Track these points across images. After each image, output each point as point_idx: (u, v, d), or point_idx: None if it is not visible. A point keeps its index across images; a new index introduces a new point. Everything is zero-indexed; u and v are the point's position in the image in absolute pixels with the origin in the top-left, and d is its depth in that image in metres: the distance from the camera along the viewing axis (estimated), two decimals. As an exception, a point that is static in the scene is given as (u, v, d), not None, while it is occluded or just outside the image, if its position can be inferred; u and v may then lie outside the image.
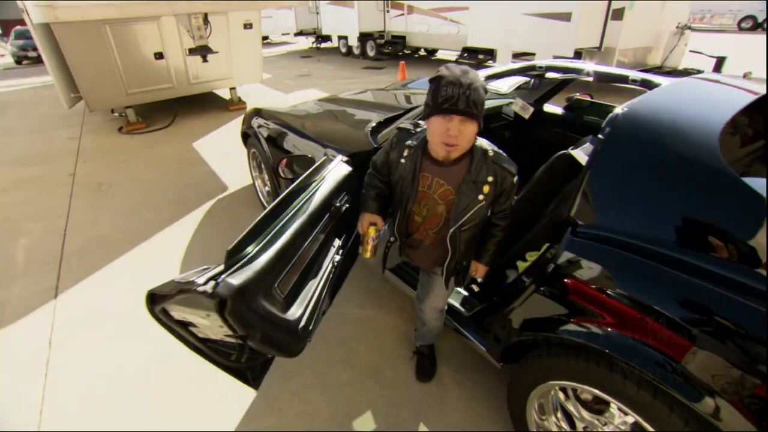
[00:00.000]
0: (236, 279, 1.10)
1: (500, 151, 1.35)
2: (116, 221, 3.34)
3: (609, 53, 6.48)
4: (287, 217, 1.35)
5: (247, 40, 6.28)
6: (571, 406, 1.38)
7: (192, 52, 5.47)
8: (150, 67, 5.65)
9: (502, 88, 2.62)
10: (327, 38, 14.01)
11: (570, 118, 2.73)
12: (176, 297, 1.12)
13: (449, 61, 9.54)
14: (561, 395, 1.40)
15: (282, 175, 1.88)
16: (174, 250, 2.92)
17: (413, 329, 2.05)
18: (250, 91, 7.80)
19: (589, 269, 1.19)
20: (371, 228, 1.46)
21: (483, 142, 1.35)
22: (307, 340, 1.38)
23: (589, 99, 2.70)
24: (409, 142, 1.35)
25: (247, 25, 6.17)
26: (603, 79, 1.87)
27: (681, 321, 1.01)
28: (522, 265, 1.67)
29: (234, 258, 1.14)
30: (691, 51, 6.69)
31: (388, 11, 10.84)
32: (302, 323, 1.37)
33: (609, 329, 1.15)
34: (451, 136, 1.19)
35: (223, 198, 3.69)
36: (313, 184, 1.53)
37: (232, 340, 1.31)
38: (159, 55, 5.64)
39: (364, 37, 11.56)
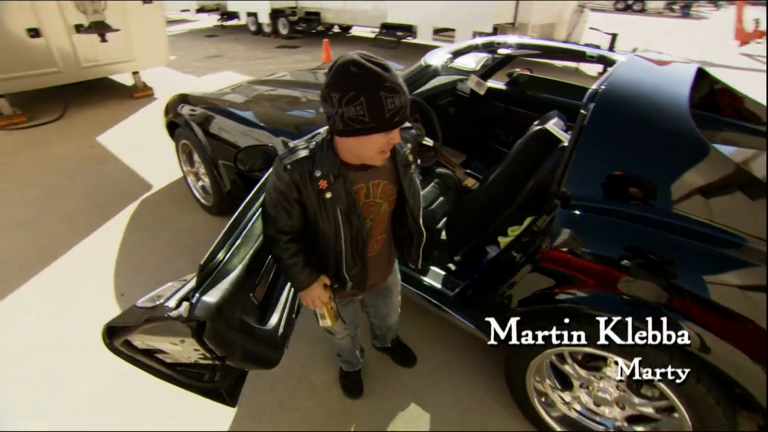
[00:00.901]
0: (212, 296, 0.97)
1: None
2: (15, 239, 2.79)
3: (522, 28, 6.85)
4: (254, 219, 1.22)
5: (148, 16, 5.52)
6: (567, 368, 1.46)
7: (85, 29, 4.67)
8: (23, 47, 4.68)
9: (469, 64, 2.61)
10: (233, 15, 12.93)
11: (512, 93, 2.82)
12: (142, 327, 0.94)
13: (366, 39, 9.39)
14: (555, 359, 1.48)
15: (241, 167, 1.69)
16: (99, 263, 2.53)
17: (372, 337, 1.89)
18: (154, 75, 6.94)
19: (585, 238, 1.24)
20: (326, 292, 1.22)
21: None
22: (285, 347, 1.28)
23: (528, 74, 2.81)
24: (317, 173, 1.02)
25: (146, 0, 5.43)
26: (558, 55, 1.94)
27: (681, 278, 1.10)
28: (504, 241, 1.71)
29: (205, 271, 0.99)
30: (590, 28, 7.35)
31: (300, -15, 10.28)
32: (280, 330, 1.27)
33: (607, 292, 1.22)
34: (392, 143, 1.01)
35: (149, 198, 3.27)
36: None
37: (207, 362, 1.16)
38: (34, 33, 4.70)
39: (275, 14, 10.87)
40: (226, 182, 2.50)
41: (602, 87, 1.31)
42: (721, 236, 1.11)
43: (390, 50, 8.80)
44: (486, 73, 2.76)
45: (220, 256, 1.09)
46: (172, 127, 2.85)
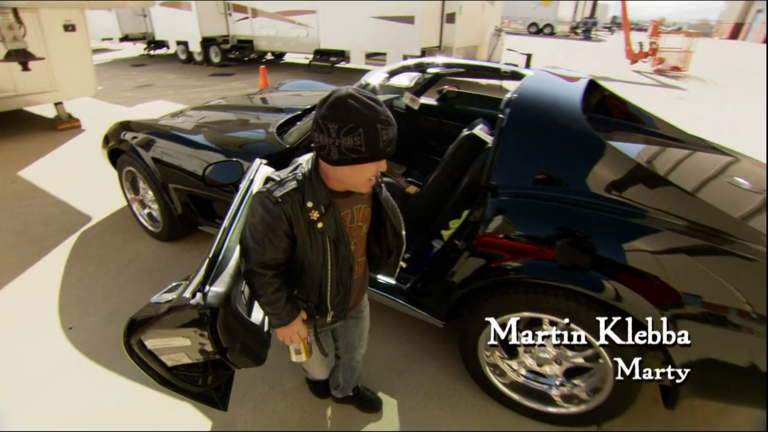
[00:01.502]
0: (220, 287, 1.07)
1: None
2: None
3: (447, 51, 7.44)
4: (234, 223, 1.33)
5: (71, 44, 5.31)
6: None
7: (6, 58, 4.39)
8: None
9: (404, 82, 2.86)
10: (161, 44, 12.59)
11: (443, 108, 3.13)
12: (163, 318, 1.02)
13: (301, 65, 9.60)
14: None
15: (208, 183, 1.77)
16: (40, 299, 2.40)
17: (333, 387, 1.75)
18: (79, 106, 6.59)
19: (514, 219, 1.48)
20: (305, 327, 1.23)
21: None
22: (269, 346, 1.38)
23: (456, 90, 3.15)
24: (309, 204, 1.04)
25: (69, 27, 5.23)
26: (479, 72, 2.25)
27: (597, 244, 1.37)
28: (446, 234, 1.92)
29: (212, 264, 1.10)
30: (508, 49, 8.14)
31: (230, 14, 10.31)
32: (265, 327, 1.37)
33: (535, 260, 1.46)
34: (378, 172, 1.06)
35: (90, 230, 3.14)
36: (246, 189, 1.51)
37: (200, 359, 1.23)
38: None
39: (206, 42, 10.77)
40: (178, 205, 2.51)
41: (514, 95, 1.59)
42: (628, 209, 1.40)
43: (325, 75, 9.08)
44: (418, 90, 3.05)
45: (216, 248, 1.20)
46: (115, 155, 2.80)
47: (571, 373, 1.69)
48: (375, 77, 2.01)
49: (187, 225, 2.70)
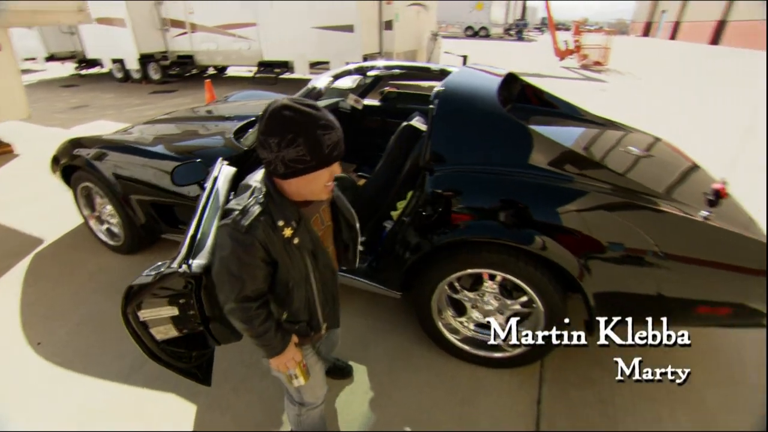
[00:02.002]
0: (201, 259, 1.24)
1: None
2: None
3: (388, 57, 7.78)
4: (207, 207, 1.50)
5: (-3, 66, 5.08)
6: (460, 296, 1.94)
7: None
8: None
9: (347, 84, 3.08)
10: (94, 63, 12.03)
11: (385, 108, 3.40)
12: (155, 286, 1.17)
13: (246, 78, 9.61)
14: (448, 291, 1.95)
15: (179, 182, 1.90)
16: None
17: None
18: (9, 131, 6.24)
19: (447, 191, 1.75)
20: (299, 351, 1.21)
21: None
22: None
23: (396, 91, 3.42)
24: (280, 223, 1.02)
25: (-7, 48, 5.01)
26: (414, 73, 2.53)
27: (511, 204, 1.66)
28: (395, 214, 2.16)
29: (192, 241, 1.27)
30: (445, 52, 8.64)
31: (167, 30, 10.11)
32: None
33: (470, 221, 1.73)
34: (334, 176, 1.05)
35: (43, 251, 3.08)
36: (212, 185, 1.67)
37: (186, 332, 1.37)
38: None
39: (144, 59, 10.47)
40: (140, 216, 2.58)
41: (441, 88, 1.86)
42: (552, 176, 1.70)
43: (270, 86, 9.14)
44: (362, 92, 3.29)
45: (194, 228, 1.36)
46: (70, 172, 2.81)
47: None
48: (320, 81, 2.22)
49: (150, 234, 2.76)
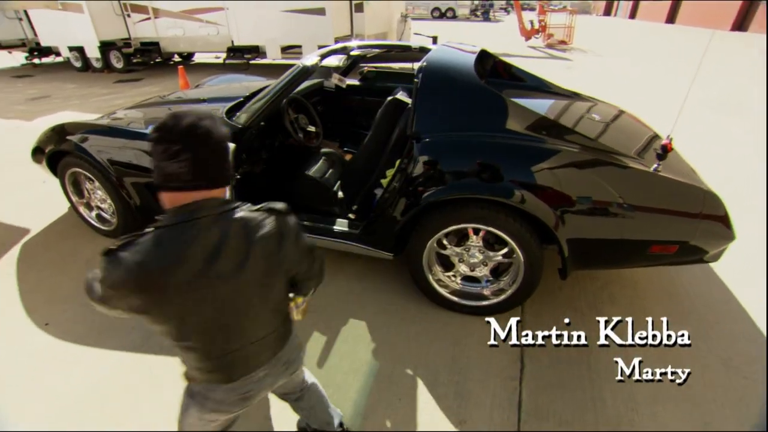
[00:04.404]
0: None
1: None
2: None
3: (360, 39, 7.82)
4: None
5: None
6: (447, 251, 2.15)
7: None
8: None
9: (334, 62, 3.19)
10: (48, 51, 11.43)
11: (366, 87, 3.53)
12: None
13: (215, 64, 9.39)
14: (437, 248, 2.16)
15: None
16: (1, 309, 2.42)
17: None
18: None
19: (434, 156, 1.94)
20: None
21: None
22: None
23: (375, 70, 3.56)
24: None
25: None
26: (395, 54, 2.69)
27: (492, 164, 1.86)
28: (385, 181, 2.34)
29: None
30: (415, 33, 8.74)
31: (129, 15, 9.71)
32: None
33: (456, 181, 1.94)
34: None
35: (31, 240, 3.09)
36: None
37: None
38: None
39: (105, 47, 10.04)
40: (135, 198, 2.64)
41: (424, 64, 2.04)
42: (526, 138, 1.91)
43: (242, 72, 9.01)
44: (342, 72, 3.41)
45: None
46: (57, 159, 2.82)
47: (496, 273, 2.21)
48: (309, 60, 2.34)
49: (145, 216, 2.82)
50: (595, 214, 1.91)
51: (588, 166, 1.90)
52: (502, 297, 2.15)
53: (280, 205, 1.04)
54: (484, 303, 2.19)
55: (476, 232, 2.05)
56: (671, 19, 23.02)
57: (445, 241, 2.13)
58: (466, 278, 2.24)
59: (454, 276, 2.24)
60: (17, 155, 4.71)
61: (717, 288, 2.46)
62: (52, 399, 1.87)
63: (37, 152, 2.94)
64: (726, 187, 2.40)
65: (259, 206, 1.02)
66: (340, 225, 2.37)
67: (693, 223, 1.86)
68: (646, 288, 2.47)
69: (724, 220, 1.87)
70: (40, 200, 3.61)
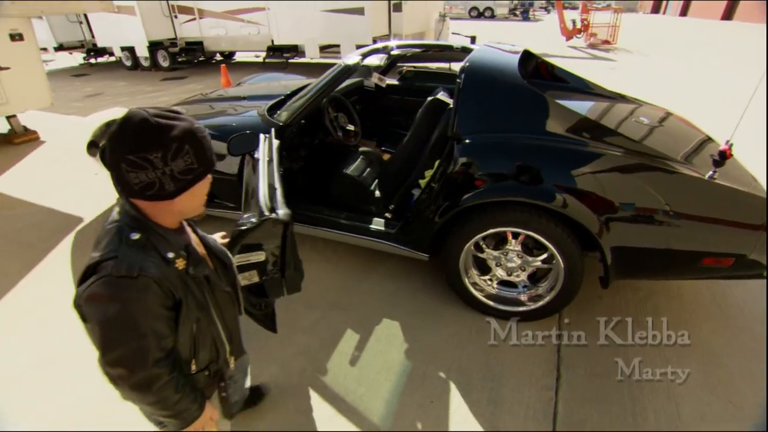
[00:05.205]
0: (282, 210, 1.50)
1: None
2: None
3: (398, 38, 7.82)
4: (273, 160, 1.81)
5: (20, 54, 5.23)
6: (484, 255, 2.11)
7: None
8: None
9: (375, 61, 3.22)
10: (103, 51, 12.14)
11: (405, 86, 3.53)
12: (257, 229, 1.43)
13: (255, 63, 9.62)
14: (474, 251, 2.12)
15: (234, 152, 2.12)
16: (58, 293, 2.58)
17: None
18: (30, 119, 6.43)
19: (475, 158, 1.91)
20: (215, 407, 1.09)
21: None
22: None
23: (414, 69, 3.55)
24: (170, 255, 0.89)
25: (16, 36, 5.15)
26: (435, 53, 2.68)
27: (547, 167, 1.82)
28: (423, 182, 2.33)
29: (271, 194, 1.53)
30: (453, 33, 8.65)
31: (176, 17, 10.16)
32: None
33: (497, 184, 1.91)
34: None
35: (85, 228, 3.30)
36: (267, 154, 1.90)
37: (264, 280, 1.56)
38: None
39: (154, 47, 10.56)
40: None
41: (467, 64, 2.01)
42: (570, 142, 1.86)
43: (281, 70, 9.23)
44: (382, 72, 3.42)
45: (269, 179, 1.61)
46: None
47: (533, 279, 2.16)
48: (351, 59, 2.37)
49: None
50: (640, 222, 1.82)
51: (632, 171, 1.82)
52: (540, 303, 2.09)
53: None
54: (521, 309, 2.14)
55: (515, 236, 2.01)
56: (728, 15, 21.66)
57: (482, 244, 2.09)
58: (503, 282, 2.20)
59: (491, 280, 2.20)
60: (74, 148, 5.05)
61: (775, 305, 2.29)
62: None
63: (92, 146, 3.11)
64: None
65: None
66: (377, 224, 2.38)
67: (752, 236, 1.74)
68: (693, 300, 2.34)
69: (787, 233, 1.74)
70: (93, 191, 3.84)
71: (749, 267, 1.81)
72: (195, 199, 0.91)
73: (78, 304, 0.86)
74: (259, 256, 1.44)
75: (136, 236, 0.85)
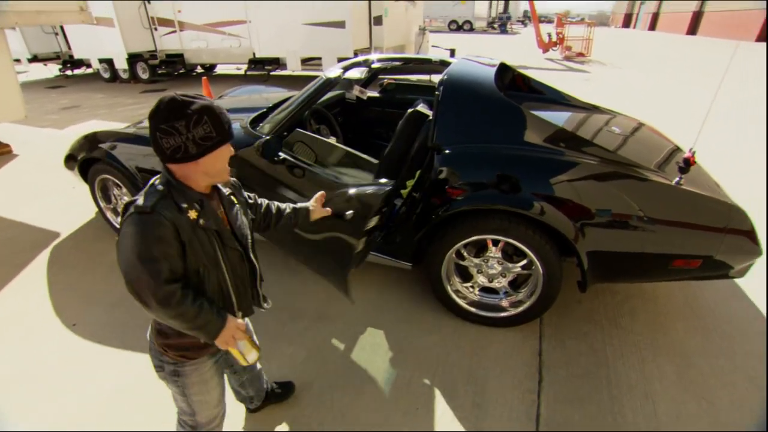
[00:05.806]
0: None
1: None
2: None
3: (378, 52, 7.95)
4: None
5: (-8, 67, 5.11)
6: (466, 262, 2.16)
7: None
8: None
9: (355, 74, 3.27)
10: (80, 63, 11.92)
11: (386, 99, 3.60)
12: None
13: (236, 75, 9.65)
14: (456, 259, 2.17)
15: (265, 155, 2.21)
16: (33, 307, 2.51)
17: (247, 401, 1.73)
18: (5, 132, 6.27)
19: (455, 168, 1.97)
20: (241, 320, 1.15)
21: None
22: None
23: (395, 82, 3.62)
24: (184, 205, 1.04)
25: (-14, 49, 5.04)
26: (415, 66, 2.75)
27: (512, 176, 1.88)
28: (405, 192, 2.37)
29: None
30: (433, 46, 8.84)
31: (156, 29, 10.09)
32: None
33: (477, 192, 1.96)
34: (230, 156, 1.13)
35: (62, 243, 3.21)
36: None
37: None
38: None
39: (133, 59, 10.44)
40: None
41: (445, 77, 2.08)
42: (546, 151, 1.92)
43: (262, 83, 9.24)
44: (363, 84, 3.49)
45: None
46: (88, 166, 2.94)
47: (514, 285, 2.21)
48: (332, 72, 2.41)
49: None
50: (615, 227, 1.89)
51: (607, 179, 1.90)
52: (521, 309, 2.14)
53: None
54: (502, 314, 2.19)
55: (495, 243, 2.06)
56: (693, 30, 22.73)
57: (464, 252, 2.14)
58: (485, 289, 2.25)
59: (473, 287, 2.24)
60: (49, 162, 4.94)
61: (743, 304, 2.40)
62: (76, 399, 1.92)
63: (70, 159, 3.07)
64: (754, 202, 2.36)
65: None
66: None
67: (717, 238, 1.83)
68: (667, 303, 2.43)
69: (750, 234, 1.83)
70: (70, 205, 3.76)
71: (716, 267, 1.90)
72: (217, 162, 1.08)
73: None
74: (375, 221, 1.68)
75: (160, 188, 1.04)
